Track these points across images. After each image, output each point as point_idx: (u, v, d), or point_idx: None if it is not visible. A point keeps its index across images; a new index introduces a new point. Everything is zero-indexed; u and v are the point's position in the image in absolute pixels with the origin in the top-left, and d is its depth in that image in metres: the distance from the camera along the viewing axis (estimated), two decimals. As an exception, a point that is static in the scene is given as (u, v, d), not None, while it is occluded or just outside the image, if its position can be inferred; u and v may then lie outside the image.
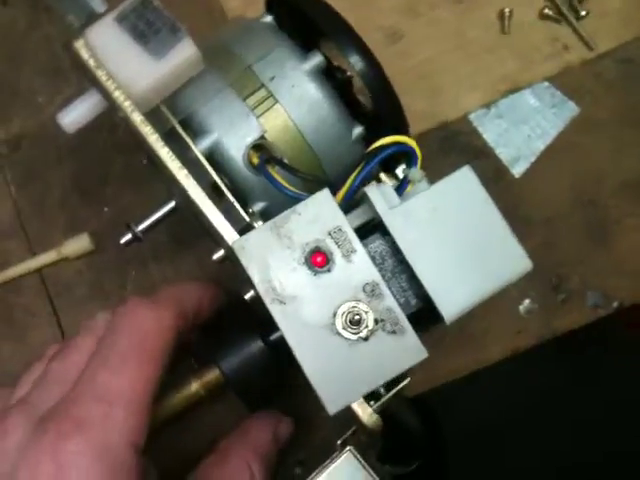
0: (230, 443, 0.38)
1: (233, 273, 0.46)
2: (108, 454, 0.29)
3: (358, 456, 0.39)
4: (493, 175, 0.50)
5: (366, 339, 0.31)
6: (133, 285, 0.48)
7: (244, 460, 0.37)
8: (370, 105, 0.39)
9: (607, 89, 0.51)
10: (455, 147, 0.50)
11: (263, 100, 0.36)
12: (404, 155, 0.36)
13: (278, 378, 0.39)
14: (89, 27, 0.35)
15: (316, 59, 0.36)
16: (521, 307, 0.49)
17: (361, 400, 0.31)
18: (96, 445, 0.29)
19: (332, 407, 0.31)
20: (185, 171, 0.33)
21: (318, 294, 0.31)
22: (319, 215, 0.32)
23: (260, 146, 0.36)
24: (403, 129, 0.39)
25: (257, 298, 0.33)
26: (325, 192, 0.32)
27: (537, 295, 0.49)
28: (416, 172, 0.35)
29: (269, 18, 0.38)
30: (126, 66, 0.34)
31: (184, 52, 0.34)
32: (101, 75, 0.33)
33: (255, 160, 0.36)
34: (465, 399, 0.51)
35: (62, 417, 0.30)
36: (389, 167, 0.38)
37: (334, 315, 0.31)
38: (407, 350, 0.31)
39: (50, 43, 0.51)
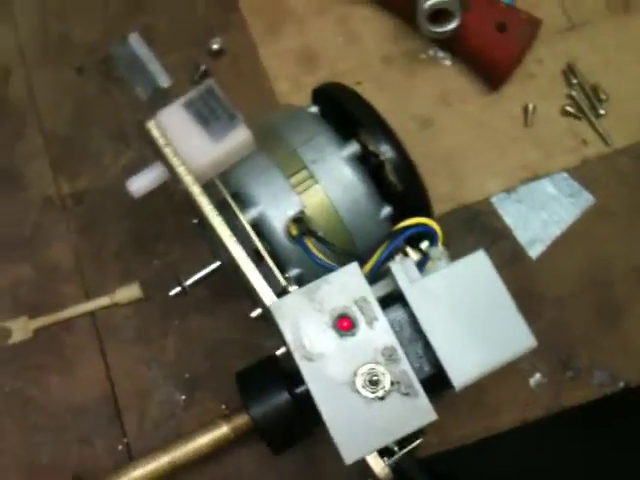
0: None
1: (266, 330, 0.51)
2: None
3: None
4: (510, 255, 0.54)
5: (382, 398, 0.35)
6: (175, 333, 0.53)
7: None
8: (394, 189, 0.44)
9: (621, 182, 0.55)
10: (476, 227, 0.54)
11: (304, 180, 0.41)
12: (427, 233, 0.40)
13: (301, 427, 0.43)
14: (160, 110, 0.40)
15: (353, 147, 0.41)
16: (532, 380, 0.52)
17: (375, 454, 0.35)
18: None
19: (348, 458, 0.34)
20: (234, 238, 0.38)
21: (342, 354, 0.35)
22: (347, 285, 0.36)
23: (299, 220, 0.41)
24: (426, 210, 0.44)
25: (288, 354, 0.38)
26: (354, 265, 0.36)
27: (547, 370, 0.52)
28: (436, 250, 0.40)
29: (314, 108, 0.44)
30: (189, 145, 0.39)
31: (239, 136, 0.39)
32: (168, 152, 0.39)
33: (294, 232, 0.41)
34: (475, 463, 0.54)
35: None
36: (414, 242, 0.43)
37: (355, 374, 0.35)
38: (418, 411, 0.35)
39: (118, 110, 0.57)
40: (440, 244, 0.40)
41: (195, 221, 0.51)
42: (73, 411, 0.51)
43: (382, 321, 0.36)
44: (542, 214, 0.55)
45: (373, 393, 0.35)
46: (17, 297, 0.53)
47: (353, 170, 0.41)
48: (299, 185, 0.41)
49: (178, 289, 0.46)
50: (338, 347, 0.35)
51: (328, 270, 0.38)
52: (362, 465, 0.48)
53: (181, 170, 0.39)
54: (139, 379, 0.52)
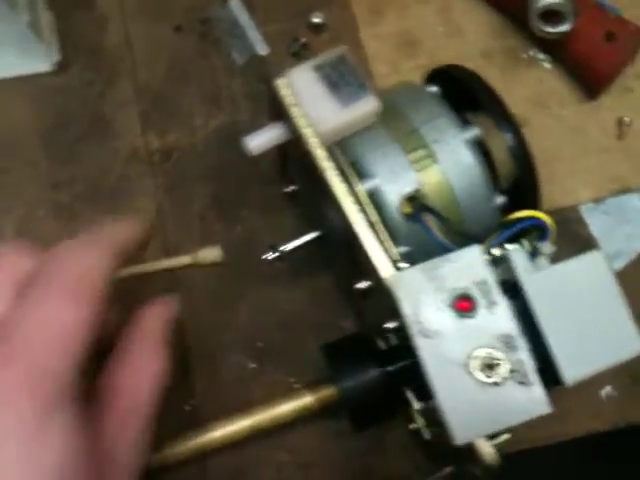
0: (128, 341, 0.35)
1: (342, 309, 0.51)
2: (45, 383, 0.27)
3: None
4: (593, 263, 0.54)
5: (497, 384, 0.34)
6: (249, 301, 0.52)
7: (149, 351, 0.35)
8: (506, 179, 0.43)
9: None
10: (564, 233, 0.54)
11: (423, 158, 0.41)
12: (535, 228, 0.40)
13: (386, 406, 0.43)
14: (291, 69, 0.40)
15: (475, 131, 0.41)
16: (602, 392, 0.52)
17: (483, 439, 0.35)
18: (33, 375, 0.27)
19: (459, 438, 0.34)
20: (357, 207, 0.37)
21: (459, 335, 0.35)
22: (469, 266, 0.36)
23: (414, 197, 0.40)
24: (539, 204, 0.43)
25: (397, 328, 0.37)
26: (476, 247, 0.36)
27: (618, 384, 0.51)
28: (547, 246, 0.39)
29: (435, 88, 0.43)
30: (317, 108, 0.39)
31: (368, 105, 0.39)
32: (296, 111, 0.38)
33: (407, 209, 0.40)
34: (538, 467, 0.54)
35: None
36: (521, 235, 0.42)
37: (471, 357, 0.35)
38: (533, 402, 0.34)
39: (213, 72, 0.57)
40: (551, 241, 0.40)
41: (287, 190, 0.51)
42: (141, 367, 0.51)
43: (502, 306, 0.35)
44: (627, 228, 0.55)
45: (488, 378, 0.34)
46: (96, 246, 0.53)
47: (473, 154, 0.41)
48: (417, 163, 0.40)
49: (274, 254, 0.45)
50: (456, 327, 0.35)
51: (444, 249, 0.37)
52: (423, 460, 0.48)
53: (307, 131, 0.38)
54: (211, 342, 0.52)
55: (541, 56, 0.58)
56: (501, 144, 0.43)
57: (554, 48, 0.56)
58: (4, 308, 0.29)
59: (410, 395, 0.44)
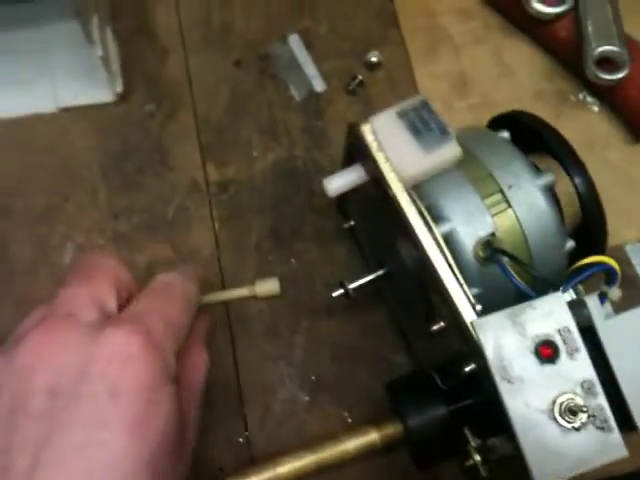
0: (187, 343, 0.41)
1: (394, 343, 0.51)
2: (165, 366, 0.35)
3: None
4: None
5: (577, 430, 0.35)
6: (304, 333, 0.53)
7: (197, 350, 0.43)
8: (571, 224, 0.45)
9: None
10: (613, 272, 0.55)
11: (498, 203, 0.42)
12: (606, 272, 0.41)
13: (450, 445, 0.44)
14: (374, 115, 0.41)
15: (549, 178, 0.42)
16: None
17: (563, 482, 0.35)
18: (154, 350, 0.34)
19: (540, 482, 0.35)
20: (437, 248, 0.38)
21: (541, 381, 0.36)
22: (551, 313, 0.37)
23: (489, 241, 0.41)
24: (602, 249, 0.45)
25: (476, 372, 0.38)
26: (559, 294, 0.37)
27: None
28: (616, 291, 0.40)
29: (506, 134, 0.45)
30: (400, 153, 0.40)
31: (450, 152, 0.40)
32: (380, 157, 0.39)
33: (482, 252, 0.41)
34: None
35: (132, 322, 0.35)
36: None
37: (553, 403, 0.35)
38: (611, 446, 0.35)
39: (271, 106, 0.58)
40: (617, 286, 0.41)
41: (347, 225, 0.52)
42: (197, 396, 0.51)
43: (583, 353, 0.36)
44: (672, 269, 0.56)
45: (569, 423, 0.35)
46: (153, 276, 0.53)
47: (547, 200, 0.42)
48: (493, 207, 0.42)
49: (341, 291, 0.46)
50: (538, 373, 0.36)
51: (521, 293, 0.38)
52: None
53: (391, 177, 0.39)
54: (265, 374, 0.52)
55: (590, 99, 0.59)
56: (569, 189, 0.44)
57: (604, 93, 0.58)
58: (114, 303, 0.37)
59: (468, 432, 0.45)
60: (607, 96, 0.58)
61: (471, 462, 0.46)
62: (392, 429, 0.44)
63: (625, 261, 0.56)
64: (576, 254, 0.44)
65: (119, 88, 0.55)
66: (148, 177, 0.55)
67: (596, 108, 0.59)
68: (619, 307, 0.43)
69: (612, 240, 0.56)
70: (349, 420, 0.52)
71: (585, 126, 0.59)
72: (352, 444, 0.44)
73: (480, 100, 0.58)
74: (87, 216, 0.54)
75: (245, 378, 0.52)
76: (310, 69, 0.58)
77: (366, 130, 0.40)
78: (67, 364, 0.33)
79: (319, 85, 0.58)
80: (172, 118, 0.57)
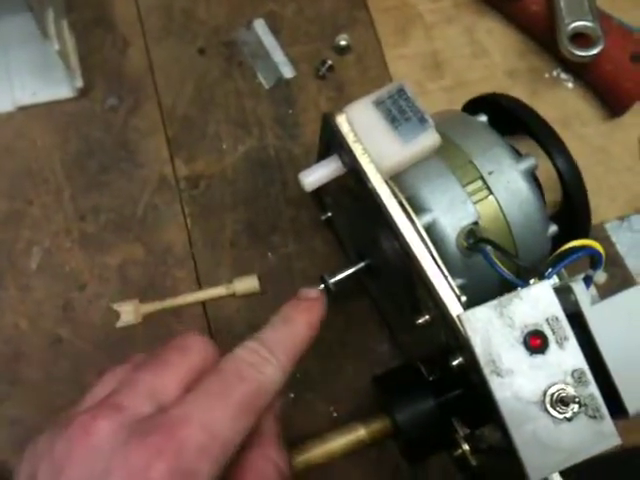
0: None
1: (378, 334, 0.50)
2: None
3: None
4: (621, 282, 0.54)
5: (570, 420, 0.35)
6: (285, 329, 0.52)
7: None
8: (551, 207, 0.44)
9: None
10: (594, 252, 0.54)
11: (480, 190, 0.41)
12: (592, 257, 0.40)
13: (440, 438, 0.43)
14: (349, 105, 0.39)
15: (530, 161, 0.41)
16: None
17: (557, 474, 0.35)
18: (178, 475, 0.29)
19: (535, 475, 0.34)
20: (420, 241, 0.37)
21: (531, 372, 0.35)
22: (539, 302, 0.36)
23: (471, 231, 0.40)
24: (585, 231, 0.44)
25: (464, 365, 0.37)
26: (546, 283, 0.36)
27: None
28: (601, 275, 0.39)
29: (484, 118, 0.43)
30: (378, 144, 0.38)
31: (429, 140, 0.39)
32: (357, 148, 0.38)
33: (465, 242, 0.40)
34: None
35: (163, 433, 0.30)
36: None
37: (544, 394, 0.35)
38: (604, 435, 0.35)
39: (239, 95, 0.56)
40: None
41: (324, 217, 0.51)
42: (178, 400, 0.50)
43: (572, 342, 0.35)
44: (653, 244, 0.56)
45: (561, 414, 0.34)
46: (126, 278, 0.51)
47: (529, 184, 0.41)
48: (474, 195, 0.40)
49: (322, 286, 0.45)
50: (528, 364, 0.35)
51: (508, 282, 0.38)
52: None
53: (370, 168, 0.38)
54: (247, 373, 0.51)
55: (564, 76, 0.58)
56: (549, 172, 0.43)
57: (579, 69, 0.57)
58: (174, 394, 0.32)
59: (456, 422, 0.44)
60: (582, 72, 0.57)
61: (460, 451, 0.45)
62: (380, 424, 0.43)
63: (605, 239, 0.56)
64: (558, 238, 0.43)
65: (79, 83, 0.52)
66: (114, 175, 0.53)
67: (571, 85, 0.58)
68: (603, 287, 0.42)
69: (593, 218, 0.56)
70: (334, 414, 0.51)
71: (560, 103, 0.58)
72: (339, 442, 0.43)
73: (454, 81, 0.57)
74: (53, 219, 0.52)
75: (227, 378, 0.51)
76: (278, 55, 0.56)
77: (341, 121, 0.38)
78: (89, 473, 0.30)
79: (288, 71, 0.56)
80: (136, 112, 0.55)
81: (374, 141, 0.38)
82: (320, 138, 0.42)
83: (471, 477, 0.50)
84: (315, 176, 0.40)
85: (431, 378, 0.43)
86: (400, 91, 0.39)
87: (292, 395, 0.51)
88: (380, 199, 0.38)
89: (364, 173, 0.38)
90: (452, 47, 0.58)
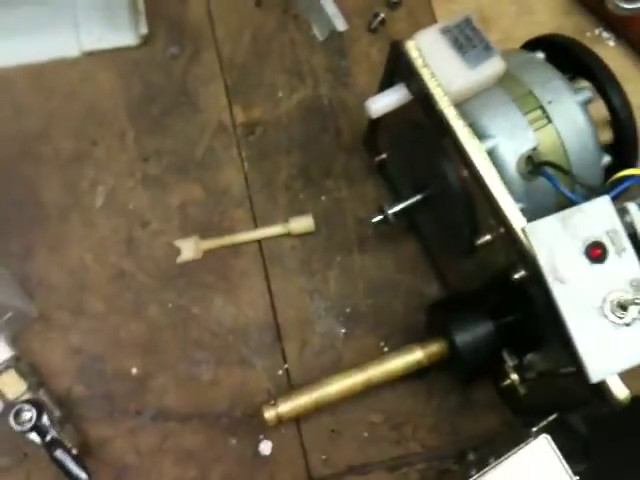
0: None
1: (427, 274, 0.52)
2: None
3: (553, 444, 0.44)
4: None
5: (628, 325, 0.36)
6: (338, 268, 0.54)
7: None
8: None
9: None
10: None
11: (539, 118, 0.43)
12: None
13: (494, 360, 0.45)
14: (418, 32, 0.41)
15: (587, 94, 0.43)
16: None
17: (617, 376, 0.37)
18: None
19: (595, 376, 0.36)
20: (489, 161, 0.39)
21: (592, 280, 0.37)
22: (599, 216, 0.38)
23: (530, 156, 0.42)
24: (636, 163, 0.46)
25: (525, 278, 0.39)
26: (606, 198, 0.38)
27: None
28: (653, 202, 0.41)
29: (542, 54, 0.45)
30: (445, 69, 0.40)
31: (494, 66, 0.41)
32: (425, 73, 0.40)
33: (524, 167, 0.42)
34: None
35: None
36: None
37: (604, 300, 0.36)
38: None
39: (294, 46, 0.58)
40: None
41: (378, 159, 0.53)
42: (235, 332, 0.52)
43: (630, 252, 0.37)
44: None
45: (620, 319, 0.36)
46: (186, 217, 0.54)
47: (585, 115, 0.43)
48: (534, 123, 0.42)
49: (380, 217, 0.47)
50: (589, 273, 0.37)
51: (569, 200, 0.40)
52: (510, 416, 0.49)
53: (438, 91, 0.40)
54: (301, 309, 0.53)
55: (605, 35, 0.60)
56: (602, 107, 0.45)
57: (621, 26, 0.59)
58: None
59: (505, 353, 0.46)
60: (623, 30, 0.59)
61: (508, 382, 0.47)
62: (437, 347, 0.45)
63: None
64: (610, 171, 0.45)
65: (143, 29, 0.54)
66: (175, 119, 0.55)
67: (612, 43, 0.60)
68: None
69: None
70: (385, 349, 0.52)
71: (602, 60, 0.60)
72: (398, 362, 0.45)
73: (500, 37, 0.59)
74: (116, 160, 0.54)
75: (282, 313, 0.53)
76: (331, 8, 0.58)
77: (411, 47, 0.41)
78: None
79: (341, 24, 0.58)
80: (196, 60, 0.57)
81: (442, 66, 0.40)
82: (385, 69, 0.44)
83: (516, 407, 0.52)
84: (382, 103, 0.42)
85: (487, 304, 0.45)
86: (467, 21, 0.41)
87: (343, 330, 0.53)
88: (447, 120, 0.40)
89: (432, 96, 0.40)
90: (498, 4, 0.60)
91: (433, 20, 0.59)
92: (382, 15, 0.58)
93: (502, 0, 0.60)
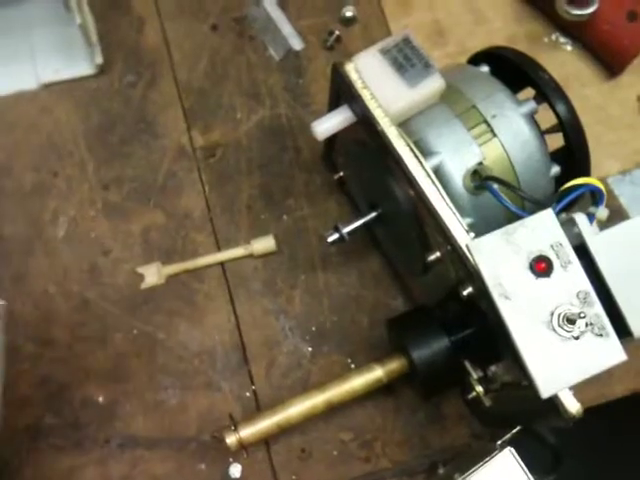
0: None
1: (392, 288, 0.52)
2: None
3: (517, 457, 0.44)
4: (626, 233, 0.56)
5: (577, 338, 0.36)
6: (302, 287, 0.54)
7: None
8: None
9: None
10: (598, 204, 0.56)
11: (484, 133, 0.43)
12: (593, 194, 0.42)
13: (453, 374, 0.45)
14: (357, 54, 0.41)
15: (532, 105, 0.43)
16: (645, 352, 0.54)
17: (567, 390, 0.37)
18: None
19: (545, 392, 0.36)
20: (430, 179, 0.39)
21: (539, 295, 0.37)
22: (543, 229, 0.38)
23: (476, 171, 0.42)
24: (586, 172, 0.46)
25: (474, 294, 0.39)
26: (549, 211, 0.38)
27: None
28: (603, 211, 0.41)
29: (486, 68, 0.46)
30: (384, 89, 0.41)
31: (433, 84, 0.41)
32: (366, 94, 0.40)
33: (471, 182, 0.42)
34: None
35: None
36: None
37: (551, 314, 0.36)
38: (610, 351, 0.36)
39: (251, 68, 0.58)
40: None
41: (336, 177, 0.53)
42: (202, 356, 0.52)
43: (576, 265, 0.37)
44: (655, 197, 0.58)
45: (568, 332, 0.36)
46: (149, 243, 0.54)
47: (530, 127, 0.43)
48: (479, 137, 0.43)
49: (336, 236, 0.47)
50: (534, 287, 0.37)
51: (514, 215, 0.40)
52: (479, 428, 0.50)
53: (378, 112, 0.40)
54: (267, 329, 0.53)
55: (562, 39, 0.61)
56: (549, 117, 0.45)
57: (576, 30, 0.59)
58: None
59: (468, 365, 0.46)
60: (579, 34, 0.59)
61: (474, 394, 0.47)
62: (396, 364, 0.45)
63: (609, 193, 0.58)
64: (561, 181, 0.45)
65: (99, 59, 0.55)
66: (134, 146, 0.56)
67: (569, 47, 0.61)
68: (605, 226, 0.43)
69: (595, 173, 0.58)
70: (352, 366, 0.52)
71: (560, 66, 0.60)
72: (360, 381, 0.45)
73: (456, 48, 0.59)
74: (77, 190, 0.55)
75: (248, 335, 0.53)
76: (286, 28, 0.59)
77: (350, 69, 0.41)
78: None
79: (297, 43, 0.59)
80: (153, 87, 0.57)
81: (381, 87, 0.40)
82: (330, 90, 0.44)
83: (484, 419, 0.52)
84: (326, 125, 0.42)
85: (444, 319, 0.45)
86: (405, 40, 0.42)
87: (310, 349, 0.53)
88: (389, 140, 0.40)
89: (373, 117, 0.40)
90: (453, 15, 0.60)
91: (389, 35, 0.59)
92: (337, 32, 0.58)
93: (457, 11, 0.60)
